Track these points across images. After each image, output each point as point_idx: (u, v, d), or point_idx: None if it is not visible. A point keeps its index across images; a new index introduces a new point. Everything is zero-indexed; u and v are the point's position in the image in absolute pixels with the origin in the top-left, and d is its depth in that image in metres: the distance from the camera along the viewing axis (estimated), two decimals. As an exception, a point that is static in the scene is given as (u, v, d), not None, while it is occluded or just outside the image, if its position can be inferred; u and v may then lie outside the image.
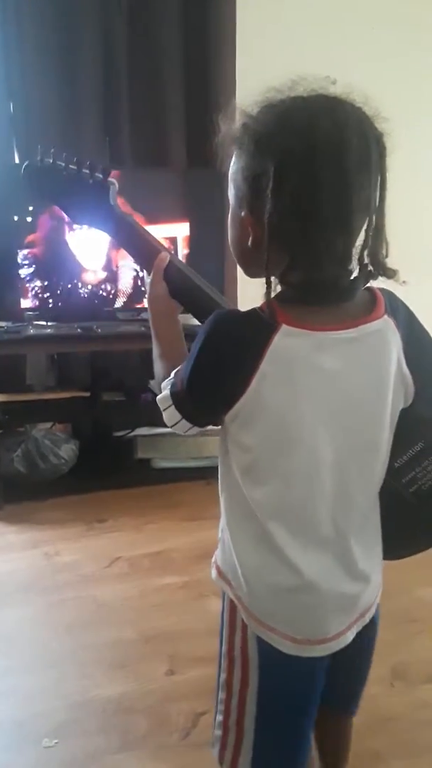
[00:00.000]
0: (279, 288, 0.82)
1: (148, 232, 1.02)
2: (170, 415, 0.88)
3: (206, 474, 2.97)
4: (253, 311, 0.81)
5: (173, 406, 0.87)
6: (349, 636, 0.91)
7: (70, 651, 1.76)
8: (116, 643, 1.79)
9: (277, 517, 0.85)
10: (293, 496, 0.84)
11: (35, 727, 1.48)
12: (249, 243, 0.82)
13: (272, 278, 0.79)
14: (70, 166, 0.98)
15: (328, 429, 0.83)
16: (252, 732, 0.93)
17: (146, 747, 1.43)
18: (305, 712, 0.95)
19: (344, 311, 0.82)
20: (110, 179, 0.99)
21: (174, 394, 0.87)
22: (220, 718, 0.96)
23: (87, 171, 0.99)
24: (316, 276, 0.80)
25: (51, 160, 0.99)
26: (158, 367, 0.96)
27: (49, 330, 2.68)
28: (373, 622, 0.96)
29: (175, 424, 0.89)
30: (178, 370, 0.88)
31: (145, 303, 1.00)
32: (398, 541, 0.94)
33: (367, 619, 0.94)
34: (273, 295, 0.80)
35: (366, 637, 0.96)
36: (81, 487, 2.83)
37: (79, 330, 2.67)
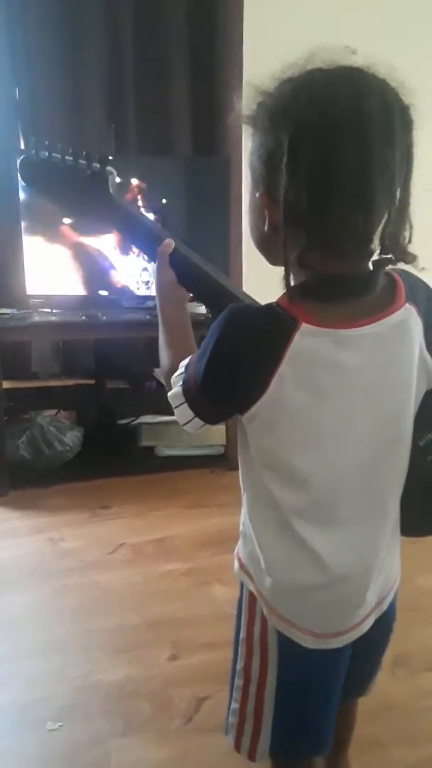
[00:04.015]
0: (292, 277, 0.77)
1: (150, 220, 0.99)
2: (182, 412, 0.84)
3: (210, 462, 2.98)
4: (270, 307, 0.76)
5: (186, 404, 0.83)
6: (366, 625, 0.90)
7: (73, 636, 1.78)
8: (120, 629, 1.80)
9: (302, 514, 0.83)
10: (319, 495, 0.82)
11: (39, 711, 1.49)
12: (266, 227, 0.78)
13: (290, 262, 0.75)
14: (66, 157, 0.95)
15: (354, 427, 0.80)
16: (271, 718, 0.92)
17: (149, 731, 1.44)
18: (327, 698, 0.94)
19: (366, 304, 0.78)
20: (108, 168, 0.95)
21: (186, 392, 0.83)
22: (235, 705, 0.94)
23: (84, 162, 0.95)
24: (335, 258, 0.75)
25: (46, 153, 0.95)
26: (164, 356, 0.93)
27: (54, 317, 2.69)
28: (391, 607, 0.96)
29: (188, 422, 0.85)
30: (189, 365, 0.83)
31: (153, 291, 0.97)
32: (423, 518, 0.92)
33: (384, 606, 0.93)
34: (292, 282, 0.75)
35: (384, 623, 0.96)
36: (85, 473, 2.84)
37: (84, 317, 2.67)
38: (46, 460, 2.84)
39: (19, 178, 0.99)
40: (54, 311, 2.72)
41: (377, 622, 0.93)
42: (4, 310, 2.67)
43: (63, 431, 2.92)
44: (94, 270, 2.73)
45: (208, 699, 1.50)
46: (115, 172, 0.97)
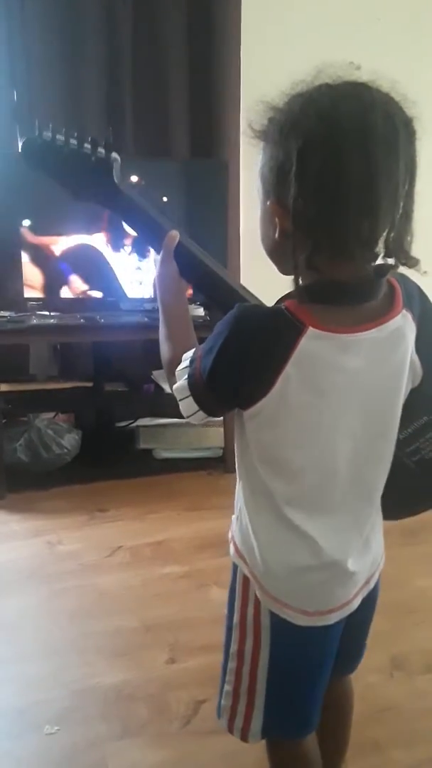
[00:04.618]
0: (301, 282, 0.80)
1: (154, 210, 0.99)
2: (187, 405, 0.87)
3: (207, 464, 2.98)
4: (279, 310, 0.79)
5: (191, 397, 0.86)
6: (356, 603, 0.94)
7: (71, 639, 1.77)
8: (117, 632, 1.80)
9: (293, 503, 0.87)
10: (311, 486, 0.87)
11: (37, 715, 1.49)
12: (276, 234, 0.81)
13: (300, 267, 0.78)
14: (71, 141, 0.94)
15: (348, 424, 0.85)
16: (263, 698, 0.94)
17: (147, 734, 1.44)
18: (317, 676, 0.96)
19: (367, 310, 0.82)
20: (113, 155, 0.95)
21: (192, 386, 0.85)
22: (228, 687, 0.97)
23: (89, 146, 0.94)
24: (341, 261, 0.78)
25: (50, 135, 0.95)
26: (165, 347, 0.96)
27: (52, 320, 2.69)
28: (376, 585, 1.00)
29: (192, 414, 0.87)
30: (194, 359, 0.86)
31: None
32: (400, 503, 0.98)
33: (372, 584, 0.98)
34: (299, 285, 0.79)
35: (371, 599, 0.99)
36: (83, 476, 2.85)
37: (82, 320, 2.67)
38: (44, 463, 2.83)
39: (23, 158, 0.97)
40: (52, 314, 2.72)
41: (364, 600, 0.96)
42: (2, 313, 2.67)
43: (61, 434, 2.92)
44: (92, 272, 2.73)
45: (205, 702, 1.50)
46: (119, 159, 0.96)
